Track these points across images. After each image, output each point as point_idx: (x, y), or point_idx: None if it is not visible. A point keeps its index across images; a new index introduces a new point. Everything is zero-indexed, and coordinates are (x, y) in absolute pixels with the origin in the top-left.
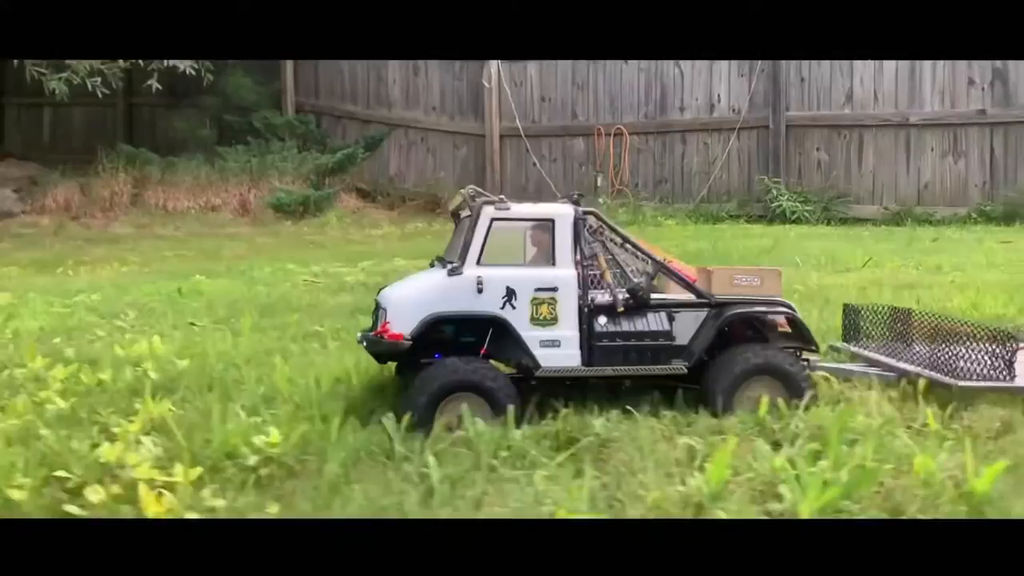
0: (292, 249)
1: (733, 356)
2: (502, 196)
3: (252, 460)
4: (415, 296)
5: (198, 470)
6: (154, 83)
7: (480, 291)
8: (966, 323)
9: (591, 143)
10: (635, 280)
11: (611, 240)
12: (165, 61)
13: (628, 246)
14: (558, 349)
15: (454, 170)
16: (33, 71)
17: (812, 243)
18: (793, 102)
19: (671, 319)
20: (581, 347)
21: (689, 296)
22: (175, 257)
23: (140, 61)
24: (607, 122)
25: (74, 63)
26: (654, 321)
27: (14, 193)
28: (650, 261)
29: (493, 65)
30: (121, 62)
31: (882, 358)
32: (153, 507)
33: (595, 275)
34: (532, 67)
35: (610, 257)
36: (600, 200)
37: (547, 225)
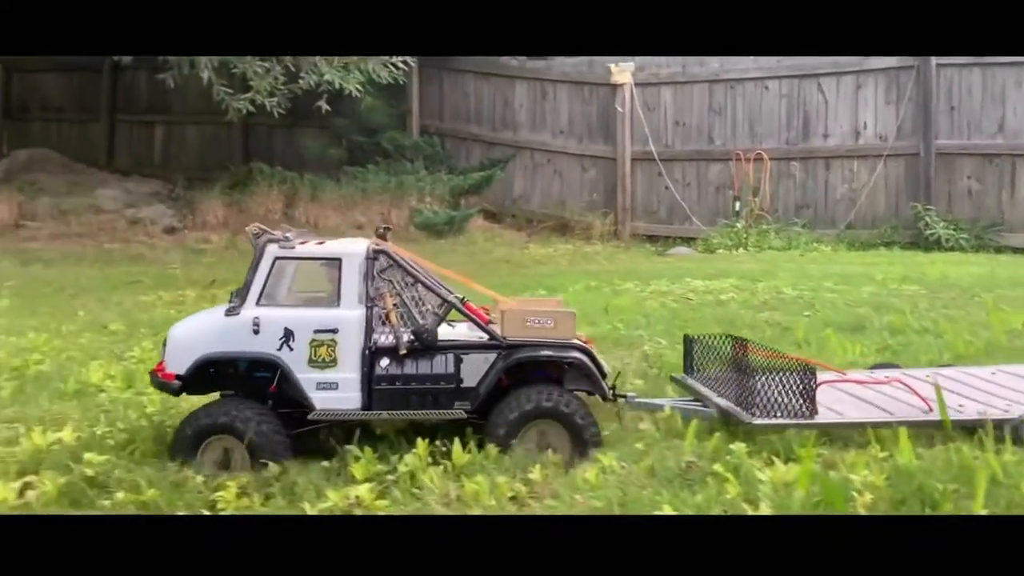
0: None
1: (519, 397)
2: (287, 234)
3: None
4: (190, 336)
5: None
6: (323, 104)
7: (256, 332)
8: (784, 355)
9: (728, 168)
10: (421, 321)
11: (402, 280)
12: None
13: (420, 286)
14: (335, 392)
15: (582, 193)
16: (220, 90)
17: None
18: (943, 130)
19: (458, 361)
20: (361, 390)
21: (480, 336)
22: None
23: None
24: (746, 147)
25: (256, 85)
26: (439, 364)
27: (168, 209)
28: (442, 301)
29: (627, 90)
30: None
31: (703, 390)
32: None
33: (383, 316)
34: (666, 92)
35: (399, 297)
36: (739, 224)
37: (334, 264)
